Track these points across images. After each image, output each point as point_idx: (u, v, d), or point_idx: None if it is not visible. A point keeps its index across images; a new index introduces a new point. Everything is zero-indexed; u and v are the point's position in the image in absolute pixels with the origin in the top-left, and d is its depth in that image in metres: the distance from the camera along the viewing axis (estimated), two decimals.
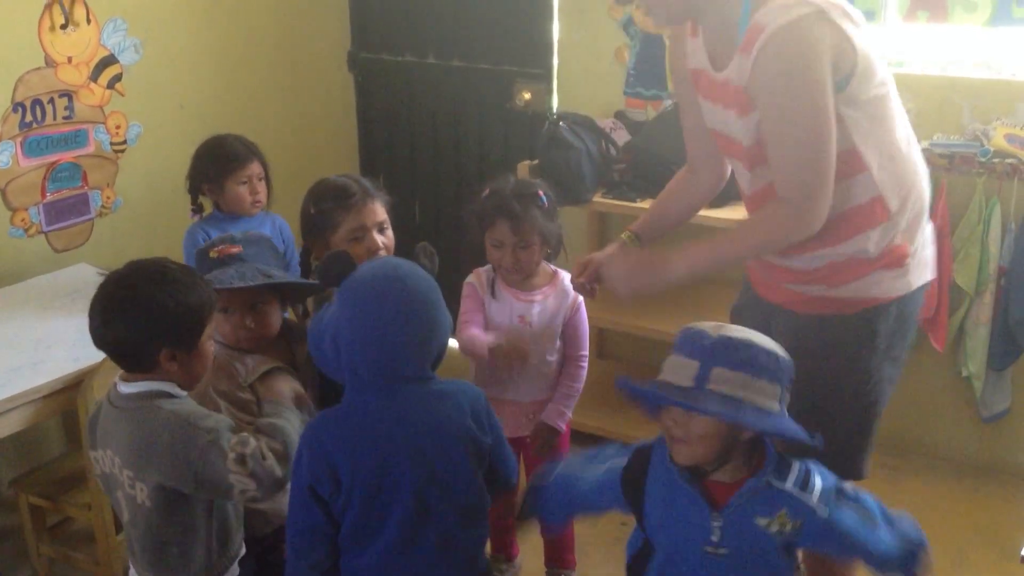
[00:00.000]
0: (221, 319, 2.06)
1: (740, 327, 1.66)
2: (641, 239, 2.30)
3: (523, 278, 2.44)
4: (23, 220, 3.10)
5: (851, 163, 1.92)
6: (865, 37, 1.89)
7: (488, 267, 2.48)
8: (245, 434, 1.82)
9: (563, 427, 2.51)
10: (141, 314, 1.77)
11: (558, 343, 2.49)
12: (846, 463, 2.08)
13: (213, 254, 2.10)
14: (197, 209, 2.97)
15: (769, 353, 1.62)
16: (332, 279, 1.79)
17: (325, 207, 2.33)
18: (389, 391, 1.76)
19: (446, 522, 1.80)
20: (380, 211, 2.33)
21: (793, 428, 1.62)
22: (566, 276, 2.45)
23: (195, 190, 2.93)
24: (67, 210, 3.22)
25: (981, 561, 2.85)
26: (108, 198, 3.33)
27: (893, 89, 1.99)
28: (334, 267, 1.80)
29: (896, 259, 2.00)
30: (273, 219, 3.01)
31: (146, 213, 3.44)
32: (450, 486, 1.79)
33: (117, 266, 3.06)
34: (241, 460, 1.78)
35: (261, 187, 2.91)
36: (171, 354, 1.81)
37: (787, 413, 1.65)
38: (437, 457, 1.77)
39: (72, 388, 2.44)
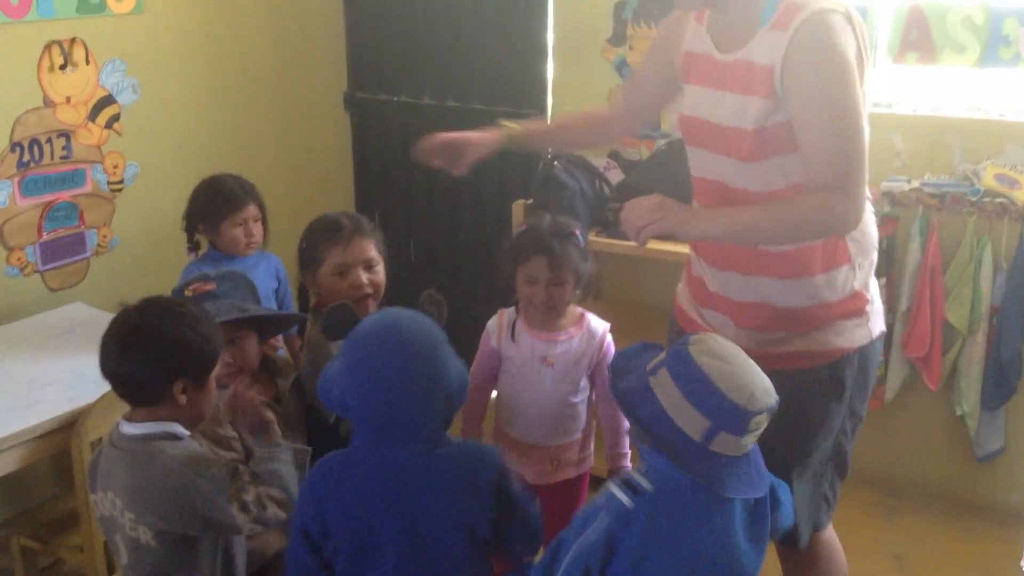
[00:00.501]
0: None
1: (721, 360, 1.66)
2: (525, 133, 2.38)
3: (552, 317, 2.41)
4: (19, 259, 3.11)
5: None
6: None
7: (511, 309, 2.46)
8: (246, 480, 1.83)
9: (628, 466, 2.46)
10: (160, 344, 1.79)
11: (583, 384, 2.46)
12: (810, 519, 2.14)
13: (188, 292, 2.13)
14: (193, 247, 2.98)
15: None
16: (335, 332, 1.77)
17: (314, 241, 2.35)
18: (387, 452, 1.73)
19: None
20: (369, 248, 2.33)
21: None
22: (593, 319, 2.46)
23: (191, 229, 2.95)
24: (63, 249, 3.23)
25: None
26: (104, 237, 3.34)
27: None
28: (337, 319, 1.79)
29: (857, 307, 2.00)
30: (268, 259, 3.02)
31: (142, 252, 3.45)
32: (437, 563, 1.75)
33: (113, 306, 3.09)
34: (244, 508, 1.80)
35: (257, 228, 2.92)
36: (183, 386, 1.82)
37: None
38: (427, 530, 1.73)
39: (66, 428, 2.44)
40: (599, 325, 2.46)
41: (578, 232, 2.38)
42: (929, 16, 2.97)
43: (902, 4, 3.00)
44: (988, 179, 2.93)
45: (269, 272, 3.00)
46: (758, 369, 1.66)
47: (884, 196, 3.05)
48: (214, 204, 2.88)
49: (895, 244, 3.11)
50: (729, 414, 1.60)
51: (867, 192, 1.86)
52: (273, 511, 1.83)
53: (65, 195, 3.20)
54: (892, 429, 3.33)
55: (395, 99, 4.02)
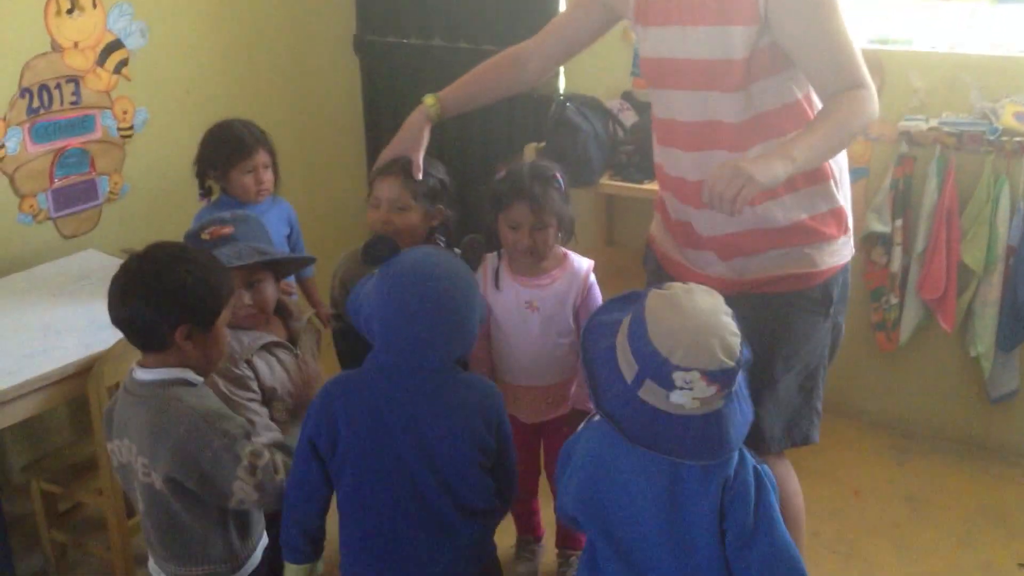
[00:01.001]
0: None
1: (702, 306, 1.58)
2: (443, 103, 2.38)
3: (536, 261, 2.42)
4: (31, 206, 3.11)
5: (799, 110, 1.99)
6: None
7: (493, 255, 2.48)
8: (261, 446, 1.86)
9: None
10: (159, 288, 1.80)
11: (572, 326, 2.48)
12: (800, 431, 2.19)
13: (205, 236, 2.11)
14: (205, 193, 2.97)
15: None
16: (374, 260, 1.84)
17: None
18: (405, 377, 1.80)
19: (444, 513, 1.82)
20: (395, 190, 2.40)
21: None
22: (576, 258, 2.45)
23: (202, 175, 2.93)
24: (75, 196, 3.22)
25: (988, 541, 2.86)
26: (116, 184, 3.34)
27: None
28: (377, 249, 1.84)
29: (843, 224, 2.09)
30: (280, 204, 3.01)
31: (153, 199, 3.44)
32: (449, 481, 1.81)
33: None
34: (252, 470, 1.82)
35: (267, 175, 2.89)
36: (187, 332, 1.82)
37: None
38: (438, 450, 1.79)
39: (82, 374, 2.45)
40: (582, 264, 2.46)
41: (559, 175, 2.37)
42: None
43: None
44: (1007, 117, 2.88)
45: (281, 218, 3.00)
46: (721, 331, 1.53)
47: (901, 136, 3.01)
48: (223, 151, 2.86)
49: (912, 184, 3.07)
50: (651, 361, 1.53)
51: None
52: (281, 479, 1.86)
53: (75, 141, 3.19)
54: (906, 371, 3.32)
55: (405, 42, 3.97)
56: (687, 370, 1.50)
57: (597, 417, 1.69)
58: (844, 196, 2.10)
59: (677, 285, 1.62)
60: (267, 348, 2.16)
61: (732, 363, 1.52)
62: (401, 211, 2.40)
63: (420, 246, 2.04)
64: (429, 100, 2.37)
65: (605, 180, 3.20)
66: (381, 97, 4.14)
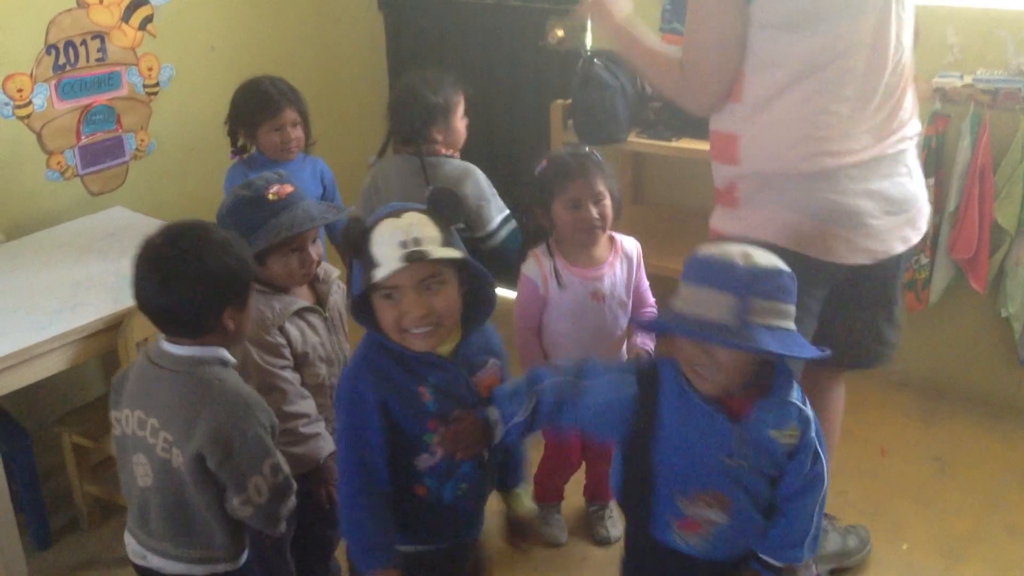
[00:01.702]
0: (291, 258, 2.11)
1: (751, 246, 1.64)
2: None
3: (596, 239, 2.40)
4: (59, 163, 3.12)
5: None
6: None
7: (543, 250, 2.43)
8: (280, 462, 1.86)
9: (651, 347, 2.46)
10: (205, 273, 1.77)
11: (627, 309, 2.48)
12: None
13: (272, 196, 2.09)
14: (238, 151, 2.96)
15: (790, 275, 1.63)
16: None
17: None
18: None
19: None
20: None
21: (811, 348, 1.65)
22: (622, 239, 2.46)
23: (233, 133, 2.93)
24: (102, 153, 3.23)
25: (1014, 502, 2.85)
26: (142, 141, 3.34)
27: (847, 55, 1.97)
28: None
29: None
30: (314, 163, 3.00)
31: (179, 156, 3.44)
32: None
33: (153, 209, 3.11)
34: (275, 471, 1.82)
35: (296, 133, 2.88)
36: (231, 313, 1.82)
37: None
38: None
39: (112, 329, 2.48)
40: (631, 245, 2.48)
41: (596, 153, 2.41)
42: None
43: None
44: None
45: (315, 177, 2.99)
46: (760, 252, 1.62)
47: (936, 92, 2.95)
48: (251, 109, 2.85)
49: (944, 143, 3.02)
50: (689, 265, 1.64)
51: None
52: (289, 503, 1.87)
53: (102, 98, 3.19)
54: (936, 331, 3.29)
55: None
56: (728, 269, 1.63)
57: None
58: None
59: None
60: (298, 313, 2.15)
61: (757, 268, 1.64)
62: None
63: None
64: None
65: (632, 137, 3.17)
66: (406, 53, 4.11)
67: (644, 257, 2.53)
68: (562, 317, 2.43)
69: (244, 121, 2.87)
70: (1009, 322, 3.07)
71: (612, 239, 2.46)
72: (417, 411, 1.76)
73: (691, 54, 2.04)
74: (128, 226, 3.01)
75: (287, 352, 2.12)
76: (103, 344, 2.51)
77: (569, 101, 3.25)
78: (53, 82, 3.05)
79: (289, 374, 2.12)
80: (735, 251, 1.61)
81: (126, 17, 3.20)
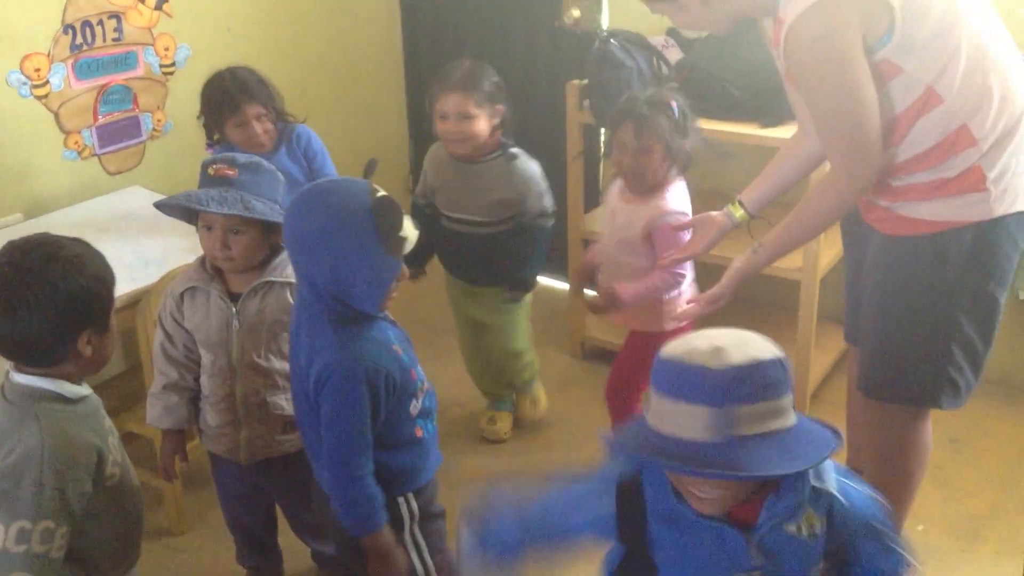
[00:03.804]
0: (204, 235, 2.10)
1: (727, 334, 1.38)
2: (747, 207, 2.32)
3: (638, 185, 2.45)
4: (76, 143, 3.13)
5: (928, 103, 1.93)
6: None
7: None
8: (54, 531, 1.61)
9: (624, 297, 2.46)
10: (57, 297, 1.60)
11: (641, 254, 2.52)
12: (917, 387, 2.15)
13: (211, 171, 2.09)
14: (213, 143, 2.91)
15: (774, 362, 1.36)
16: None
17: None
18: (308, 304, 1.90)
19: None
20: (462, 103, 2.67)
21: (819, 446, 1.37)
22: (676, 193, 2.48)
23: (208, 127, 2.87)
24: (119, 133, 3.24)
25: None
26: (159, 121, 3.35)
27: (969, 6, 1.95)
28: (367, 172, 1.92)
29: (971, 182, 1.96)
30: (295, 141, 2.90)
31: (196, 136, 3.42)
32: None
33: (170, 188, 3.12)
34: (20, 538, 1.58)
35: (262, 126, 2.78)
36: (88, 337, 1.66)
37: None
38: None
39: (130, 307, 2.49)
40: (666, 204, 2.48)
41: (675, 103, 2.41)
42: None
43: None
44: None
45: (295, 157, 2.91)
46: (734, 343, 1.36)
47: None
48: (212, 106, 2.80)
49: None
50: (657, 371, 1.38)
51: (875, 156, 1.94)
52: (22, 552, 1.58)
53: (118, 78, 3.20)
54: None
55: None
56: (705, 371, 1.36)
57: None
58: (986, 152, 1.95)
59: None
60: (193, 291, 2.16)
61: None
62: (468, 119, 2.67)
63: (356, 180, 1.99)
64: (734, 208, 2.33)
65: None
66: (421, 33, 4.10)
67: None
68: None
69: (211, 119, 2.83)
70: None
71: (666, 188, 2.47)
72: (402, 367, 1.90)
73: (844, 144, 1.95)
74: (145, 205, 3.00)
75: (166, 321, 2.20)
76: (122, 322, 2.49)
77: (585, 81, 3.24)
78: (70, 62, 3.06)
79: (161, 338, 2.21)
80: (703, 349, 1.34)
81: None
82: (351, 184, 1.87)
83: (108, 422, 1.81)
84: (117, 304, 2.43)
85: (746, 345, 1.36)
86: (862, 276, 2.24)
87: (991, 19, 2.00)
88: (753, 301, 3.28)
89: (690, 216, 2.47)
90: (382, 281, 1.84)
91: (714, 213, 2.33)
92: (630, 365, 2.66)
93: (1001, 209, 1.98)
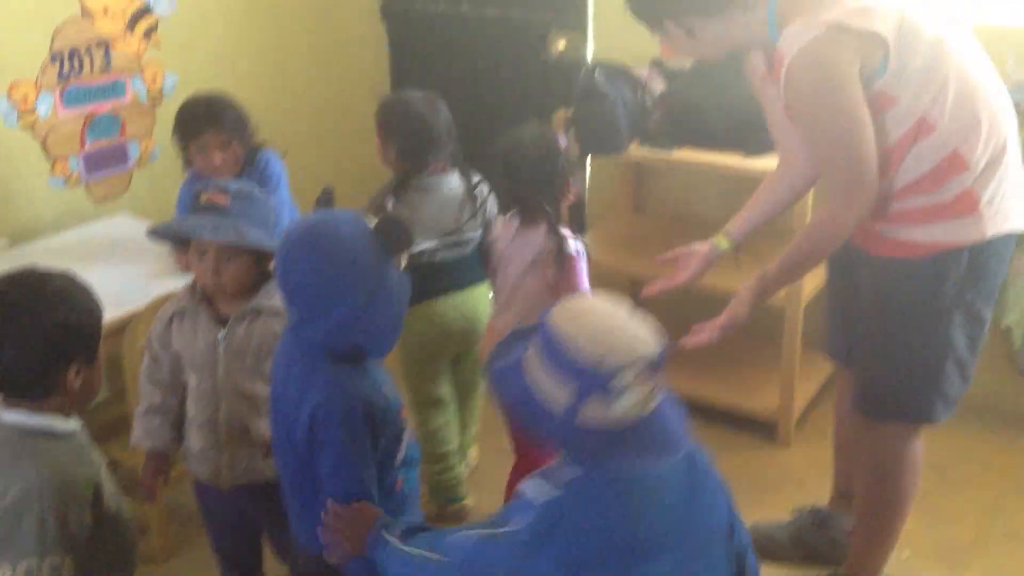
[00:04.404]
0: (196, 261, 2.09)
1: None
2: (732, 237, 2.34)
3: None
4: (63, 169, 3.13)
5: (921, 130, 1.99)
6: (900, 7, 1.95)
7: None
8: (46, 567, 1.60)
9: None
10: (40, 331, 1.60)
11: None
12: (914, 403, 2.22)
13: (203, 198, 2.09)
14: (189, 166, 2.89)
15: None
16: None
17: None
18: (295, 344, 1.86)
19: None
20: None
21: None
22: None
23: (181, 150, 2.87)
24: (106, 160, 3.25)
25: (1017, 510, 2.86)
26: (146, 148, 3.36)
27: (955, 31, 2.03)
28: (319, 201, 1.92)
29: (966, 205, 2.03)
30: (256, 161, 2.87)
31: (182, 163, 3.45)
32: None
33: (156, 215, 3.12)
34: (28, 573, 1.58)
35: (224, 155, 2.77)
36: (77, 369, 1.66)
37: None
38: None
39: (116, 334, 2.48)
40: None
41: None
42: None
43: None
44: None
45: (256, 173, 2.86)
46: (635, 324, 1.46)
47: None
48: (178, 132, 2.81)
49: None
50: (584, 375, 1.40)
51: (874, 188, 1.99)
52: None
53: (106, 106, 3.21)
54: None
55: (432, 8, 3.96)
56: (624, 368, 1.40)
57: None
58: (979, 174, 2.02)
59: (569, 299, 1.53)
60: (182, 314, 2.17)
61: (659, 348, 1.43)
62: None
63: (343, 211, 1.95)
64: (719, 240, 2.34)
65: (634, 148, 3.19)
66: (408, 64, 4.13)
67: (643, 263, 2.54)
68: None
69: (178, 143, 2.83)
70: (1009, 332, 3.08)
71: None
72: (395, 407, 1.84)
73: (842, 176, 2.00)
74: (132, 232, 3.02)
75: (154, 344, 2.20)
76: (107, 348, 2.47)
77: (570, 112, 3.27)
78: (58, 90, 3.07)
79: (147, 361, 2.22)
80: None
81: (131, 26, 3.22)
82: (342, 218, 1.82)
83: (97, 454, 1.80)
84: (103, 330, 2.46)
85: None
86: (854, 300, 2.29)
87: (974, 49, 2.08)
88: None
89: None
90: (399, 318, 1.82)
91: (698, 244, 2.35)
92: None
93: (993, 230, 2.06)
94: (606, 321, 1.45)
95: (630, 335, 1.44)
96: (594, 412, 1.41)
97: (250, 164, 2.86)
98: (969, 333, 2.16)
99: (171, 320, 2.18)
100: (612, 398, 1.41)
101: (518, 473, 2.61)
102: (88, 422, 2.77)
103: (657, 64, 3.42)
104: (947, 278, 2.08)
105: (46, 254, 2.89)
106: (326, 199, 1.94)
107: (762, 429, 3.20)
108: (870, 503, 2.39)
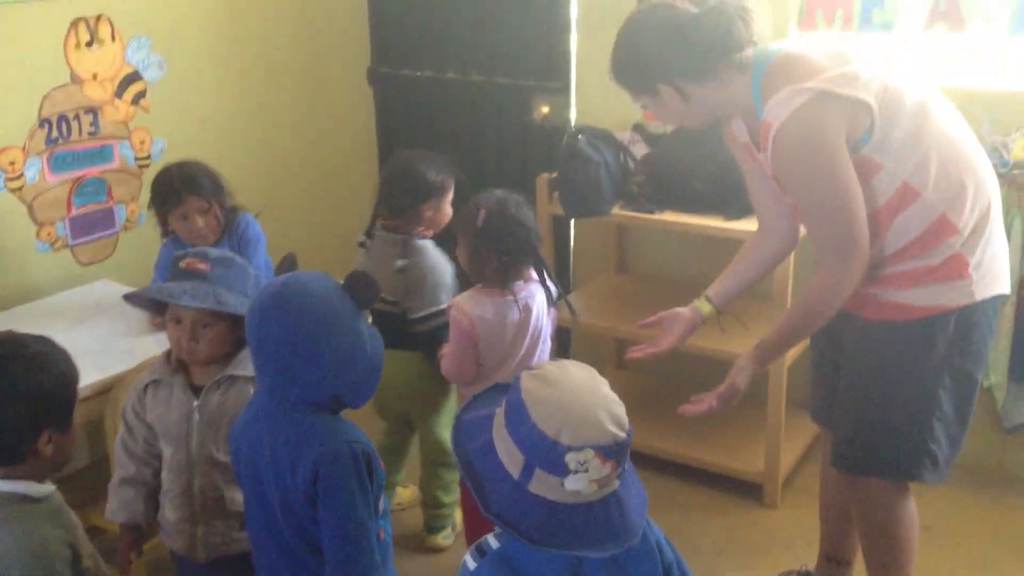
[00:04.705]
0: (173, 328, 2.09)
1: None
2: (714, 301, 2.36)
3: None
4: (49, 234, 3.15)
5: (906, 196, 2.02)
6: (883, 74, 1.99)
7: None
8: None
9: None
10: (17, 397, 1.60)
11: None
12: (896, 460, 2.21)
13: (182, 264, 2.10)
14: (167, 231, 2.94)
15: None
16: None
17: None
18: (269, 407, 1.88)
19: (295, 547, 1.88)
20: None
21: None
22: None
23: (159, 217, 2.92)
24: (92, 224, 3.26)
25: (1004, 569, 2.84)
26: (132, 212, 3.37)
27: (934, 97, 2.07)
28: (283, 268, 1.93)
29: (955, 269, 2.05)
30: (235, 225, 2.93)
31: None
32: (275, 513, 1.87)
33: (142, 280, 3.13)
34: None
35: (204, 220, 2.82)
36: (48, 437, 1.66)
37: None
38: (266, 480, 1.87)
39: (98, 397, 2.48)
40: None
41: (482, 213, 2.47)
42: None
43: None
44: (1018, 151, 2.90)
45: (233, 236, 2.93)
46: (606, 401, 1.41)
47: None
48: (158, 197, 2.86)
49: None
50: (539, 447, 1.37)
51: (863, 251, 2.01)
52: None
53: (93, 171, 3.23)
54: None
55: (418, 74, 4.02)
56: (579, 449, 1.35)
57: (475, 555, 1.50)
58: (966, 238, 2.05)
59: (547, 363, 1.49)
60: (156, 384, 2.16)
61: (624, 435, 1.39)
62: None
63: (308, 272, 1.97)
64: (702, 304, 2.36)
65: (617, 210, 3.22)
66: (395, 127, 4.18)
67: (626, 322, 2.55)
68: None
69: (157, 211, 2.88)
70: (992, 392, 3.09)
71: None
72: (376, 455, 1.86)
73: (833, 242, 2.01)
74: (116, 296, 2.99)
75: (128, 414, 2.18)
76: (90, 412, 2.50)
77: (555, 175, 3.31)
78: (45, 155, 3.09)
79: (122, 432, 2.20)
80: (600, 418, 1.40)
81: (119, 92, 3.26)
82: (309, 278, 1.85)
83: (73, 516, 1.78)
84: (84, 394, 2.45)
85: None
86: (839, 364, 2.29)
87: (954, 115, 2.12)
88: (704, 387, 3.30)
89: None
90: (377, 367, 1.85)
91: (681, 309, 2.36)
92: None
93: (981, 293, 2.09)
94: (574, 397, 1.40)
95: (594, 416, 1.38)
96: (542, 486, 1.38)
97: (229, 227, 2.91)
98: (959, 394, 2.16)
99: (145, 389, 2.17)
100: (562, 476, 1.36)
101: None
102: (70, 488, 2.77)
103: (639, 128, 3.48)
104: (936, 341, 2.10)
105: (31, 318, 2.89)
106: (289, 265, 1.96)
107: (749, 491, 3.19)
108: (873, 563, 2.38)
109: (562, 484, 1.37)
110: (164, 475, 2.18)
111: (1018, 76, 3.01)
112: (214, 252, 2.16)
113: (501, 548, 1.45)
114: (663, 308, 2.41)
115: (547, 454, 1.36)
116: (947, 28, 2.98)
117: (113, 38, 3.21)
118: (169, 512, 2.19)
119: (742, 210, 2.94)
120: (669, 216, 3.12)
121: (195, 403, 2.12)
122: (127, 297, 2.16)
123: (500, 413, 1.45)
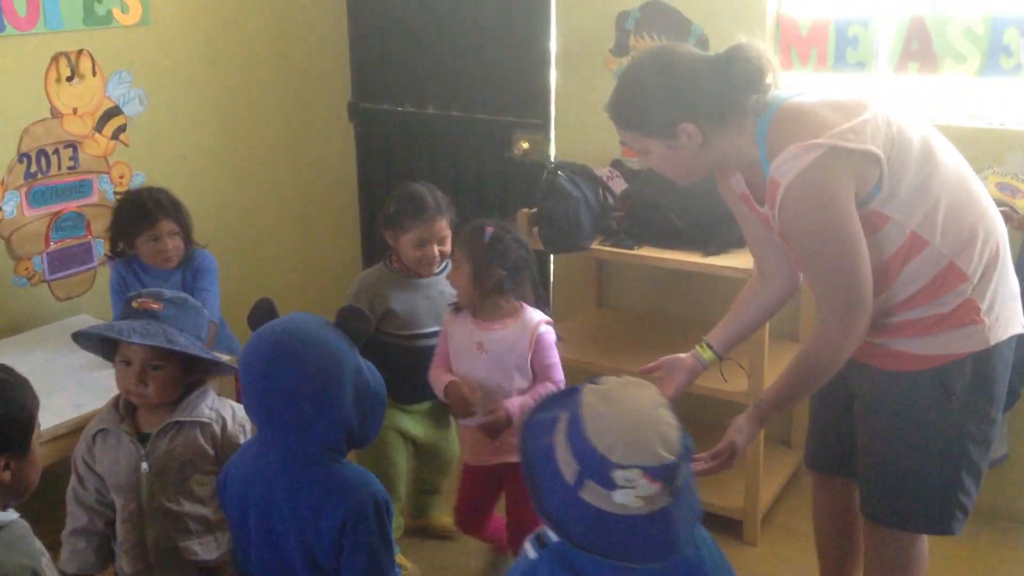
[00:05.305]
0: (122, 370, 2.07)
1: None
2: (715, 349, 2.34)
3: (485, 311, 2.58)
4: (27, 269, 3.13)
5: (915, 245, 1.99)
6: (891, 124, 1.97)
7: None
8: None
9: (514, 412, 2.51)
10: None
11: (519, 376, 2.57)
12: (930, 517, 2.17)
13: (135, 304, 2.08)
14: (114, 255, 3.00)
15: None
16: (255, 323, 1.89)
17: (400, 210, 2.75)
18: (263, 447, 1.91)
19: None
20: (444, 227, 2.76)
21: None
22: (530, 311, 2.59)
23: (113, 240, 2.98)
24: (70, 259, 3.25)
25: None
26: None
27: (936, 138, 2.06)
28: (258, 312, 1.90)
29: (967, 315, 2.02)
30: (193, 264, 2.99)
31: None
32: (284, 566, 1.88)
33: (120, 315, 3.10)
34: None
35: (173, 243, 2.92)
36: (5, 463, 1.64)
37: None
38: (279, 530, 1.88)
39: (73, 434, 2.45)
40: (533, 316, 2.58)
41: (488, 230, 2.54)
42: (930, 27, 2.98)
43: (904, 15, 3.02)
44: (990, 188, 2.93)
45: (188, 272, 2.99)
46: (660, 424, 1.47)
47: None
48: (129, 219, 2.92)
49: None
50: (590, 460, 1.43)
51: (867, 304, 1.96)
52: None
53: (72, 205, 3.23)
54: None
55: (399, 109, 4.05)
56: (627, 468, 1.42)
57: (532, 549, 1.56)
58: (976, 283, 2.02)
59: (612, 379, 1.55)
60: (104, 433, 2.14)
61: (673, 458, 1.44)
62: (448, 239, 2.78)
63: (295, 315, 1.96)
64: (702, 350, 2.33)
65: (596, 245, 3.24)
66: (375, 163, 4.20)
67: (606, 357, 2.55)
68: (453, 353, 2.64)
69: (123, 231, 2.94)
70: None
71: (520, 307, 2.59)
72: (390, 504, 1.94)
73: (838, 299, 1.97)
74: None
75: (78, 464, 2.15)
76: (65, 448, 2.47)
77: (534, 210, 3.32)
78: (24, 190, 3.09)
79: (73, 482, 2.16)
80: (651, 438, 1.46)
81: (100, 127, 3.26)
82: (303, 322, 1.85)
83: (38, 543, 1.75)
84: (60, 431, 2.43)
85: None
86: (845, 411, 2.25)
87: (960, 161, 2.09)
88: (700, 424, 3.30)
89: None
90: (383, 398, 1.87)
91: (683, 355, 2.33)
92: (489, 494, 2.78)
93: (996, 337, 2.05)
94: (629, 416, 1.46)
95: (644, 437, 1.44)
96: (593, 496, 1.44)
97: (187, 258, 3.00)
98: (982, 441, 2.12)
99: (94, 438, 2.13)
100: (610, 490, 1.43)
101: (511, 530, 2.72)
102: (49, 519, 2.74)
103: (617, 164, 3.51)
104: (954, 389, 2.05)
105: (5, 353, 2.86)
106: (265, 311, 1.94)
107: (728, 527, 3.18)
108: None
109: (610, 497, 1.43)
110: (117, 526, 2.13)
111: (989, 116, 3.06)
112: (168, 293, 2.14)
113: (561, 542, 1.49)
114: (643, 343, 2.42)
115: (596, 468, 1.43)
116: (919, 69, 3.02)
117: (94, 73, 3.21)
118: (125, 564, 2.13)
119: (721, 246, 2.96)
120: (648, 251, 3.14)
121: (142, 451, 2.08)
122: (76, 336, 2.11)
123: (563, 419, 1.51)
